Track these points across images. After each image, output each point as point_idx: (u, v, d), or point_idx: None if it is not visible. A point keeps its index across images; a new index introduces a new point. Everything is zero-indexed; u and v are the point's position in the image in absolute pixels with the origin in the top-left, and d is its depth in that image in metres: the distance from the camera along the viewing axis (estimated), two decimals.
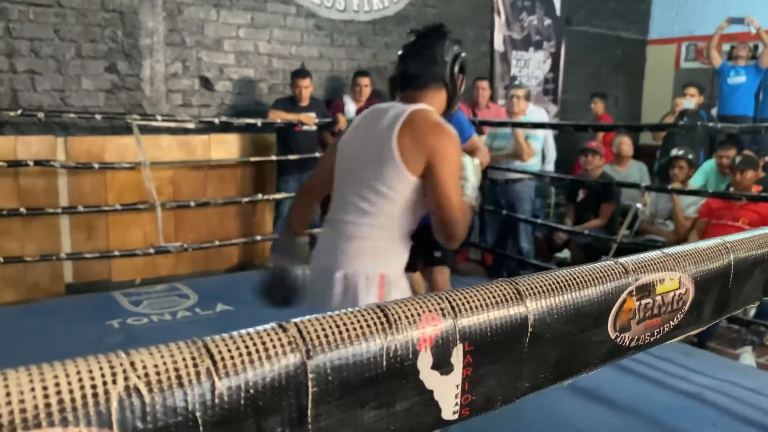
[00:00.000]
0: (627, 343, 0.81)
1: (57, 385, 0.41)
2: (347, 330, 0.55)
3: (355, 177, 1.69)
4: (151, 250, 4.19)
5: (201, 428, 0.46)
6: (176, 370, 0.46)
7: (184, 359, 0.47)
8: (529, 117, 4.74)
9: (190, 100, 4.59)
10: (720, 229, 3.77)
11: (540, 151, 4.94)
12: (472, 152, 2.44)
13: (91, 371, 0.43)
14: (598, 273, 0.76)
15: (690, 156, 4.64)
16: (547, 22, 6.70)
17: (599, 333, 0.77)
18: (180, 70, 4.51)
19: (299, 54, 5.01)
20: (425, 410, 0.61)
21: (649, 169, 5.54)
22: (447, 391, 0.62)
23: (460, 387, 0.63)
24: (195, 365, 0.47)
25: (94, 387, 0.42)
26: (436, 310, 0.61)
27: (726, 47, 6.63)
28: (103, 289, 4.11)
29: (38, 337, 3.26)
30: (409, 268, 3.20)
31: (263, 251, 4.88)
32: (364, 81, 4.87)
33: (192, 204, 4.41)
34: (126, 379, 0.44)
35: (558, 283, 0.72)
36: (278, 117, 4.52)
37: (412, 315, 0.59)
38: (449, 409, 0.63)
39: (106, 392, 0.43)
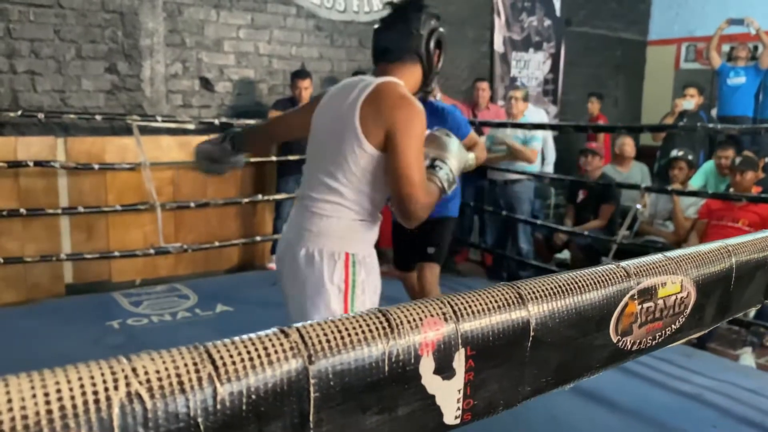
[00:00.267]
0: (629, 346, 0.80)
1: (58, 390, 0.41)
2: (349, 335, 0.55)
3: (322, 152, 1.64)
4: (151, 251, 4.18)
5: None
6: (178, 375, 0.46)
7: (185, 364, 0.46)
8: (529, 118, 4.74)
9: (190, 101, 4.58)
10: (720, 230, 3.77)
11: (540, 152, 4.94)
12: (470, 148, 2.43)
13: (92, 377, 0.43)
14: (599, 277, 0.76)
15: (690, 157, 4.64)
16: (547, 22, 6.70)
17: (601, 337, 0.77)
18: (180, 71, 4.51)
19: (299, 55, 5.01)
20: (427, 415, 0.61)
21: (649, 169, 5.54)
22: (449, 396, 0.62)
23: (462, 392, 0.63)
24: (197, 371, 0.46)
25: (95, 393, 0.42)
26: (438, 314, 0.61)
27: (726, 48, 6.63)
28: (103, 289, 4.11)
29: (38, 337, 3.26)
30: (405, 267, 3.21)
31: (263, 252, 4.88)
32: None
33: (192, 205, 4.41)
34: (128, 384, 0.43)
35: (560, 286, 0.72)
36: None
37: (414, 320, 0.59)
38: (451, 414, 0.63)
39: (108, 398, 0.42)
